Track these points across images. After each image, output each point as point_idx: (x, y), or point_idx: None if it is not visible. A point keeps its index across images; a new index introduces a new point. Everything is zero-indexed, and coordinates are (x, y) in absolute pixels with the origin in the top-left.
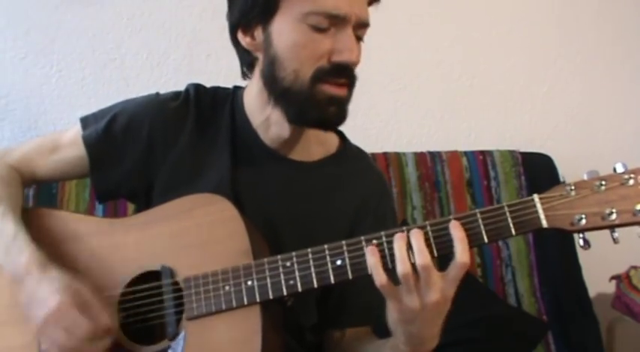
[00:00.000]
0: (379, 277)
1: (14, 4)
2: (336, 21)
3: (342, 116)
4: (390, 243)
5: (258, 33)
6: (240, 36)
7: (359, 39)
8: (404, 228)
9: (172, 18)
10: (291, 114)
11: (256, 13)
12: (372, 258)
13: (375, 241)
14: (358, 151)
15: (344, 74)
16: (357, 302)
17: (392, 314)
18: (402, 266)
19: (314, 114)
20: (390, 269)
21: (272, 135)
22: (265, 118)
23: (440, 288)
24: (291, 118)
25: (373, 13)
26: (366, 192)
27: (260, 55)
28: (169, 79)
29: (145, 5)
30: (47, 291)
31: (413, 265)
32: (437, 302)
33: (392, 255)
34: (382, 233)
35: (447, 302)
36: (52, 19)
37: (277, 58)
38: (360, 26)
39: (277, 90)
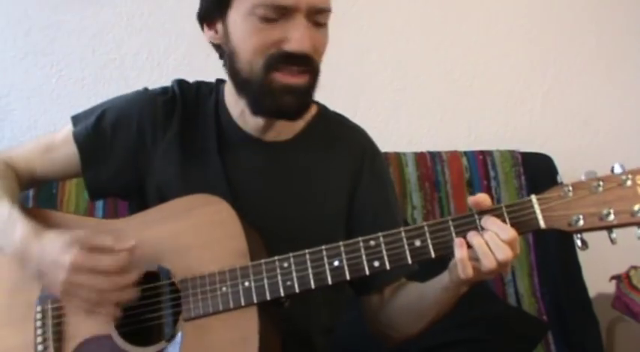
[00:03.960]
0: (467, 270)
1: (14, 4)
2: (284, 11)
3: (300, 106)
4: (387, 243)
5: (220, 27)
6: (205, 30)
7: (319, 24)
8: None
9: (172, 18)
10: (250, 105)
11: (214, 7)
12: (460, 251)
13: (372, 242)
14: (336, 114)
15: (296, 62)
16: None
17: (461, 290)
18: (488, 262)
19: (269, 104)
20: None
21: (251, 125)
22: (241, 111)
23: None
24: (251, 109)
25: (374, 14)
26: (355, 151)
27: (224, 48)
28: (169, 78)
29: (145, 5)
30: (54, 253)
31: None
32: None
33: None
34: (380, 234)
35: None
36: (52, 19)
37: (234, 50)
38: (315, 12)
39: (238, 82)
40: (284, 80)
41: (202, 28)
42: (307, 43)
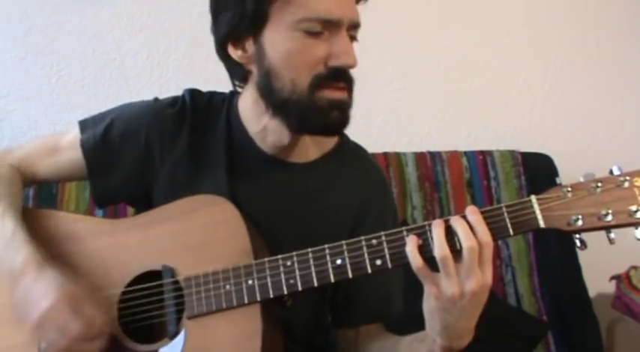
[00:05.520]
0: (416, 260)
1: (14, 4)
2: (329, 25)
3: (345, 120)
4: (390, 242)
5: (250, 45)
6: (230, 50)
7: (352, 39)
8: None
9: (172, 18)
10: (292, 124)
11: (246, 26)
12: (410, 243)
13: (374, 240)
14: (356, 148)
15: (342, 78)
16: (368, 298)
17: (429, 302)
18: (440, 250)
19: (317, 122)
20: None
21: (269, 143)
22: (262, 128)
23: (479, 275)
24: (294, 128)
25: (373, 13)
26: (365, 190)
27: (253, 67)
28: (169, 78)
29: (145, 5)
30: (41, 292)
31: (452, 251)
32: (475, 291)
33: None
34: (382, 233)
35: (485, 291)
36: (52, 19)
37: (272, 69)
38: (353, 27)
39: (276, 102)
40: (331, 96)
41: (225, 48)
42: (354, 56)
